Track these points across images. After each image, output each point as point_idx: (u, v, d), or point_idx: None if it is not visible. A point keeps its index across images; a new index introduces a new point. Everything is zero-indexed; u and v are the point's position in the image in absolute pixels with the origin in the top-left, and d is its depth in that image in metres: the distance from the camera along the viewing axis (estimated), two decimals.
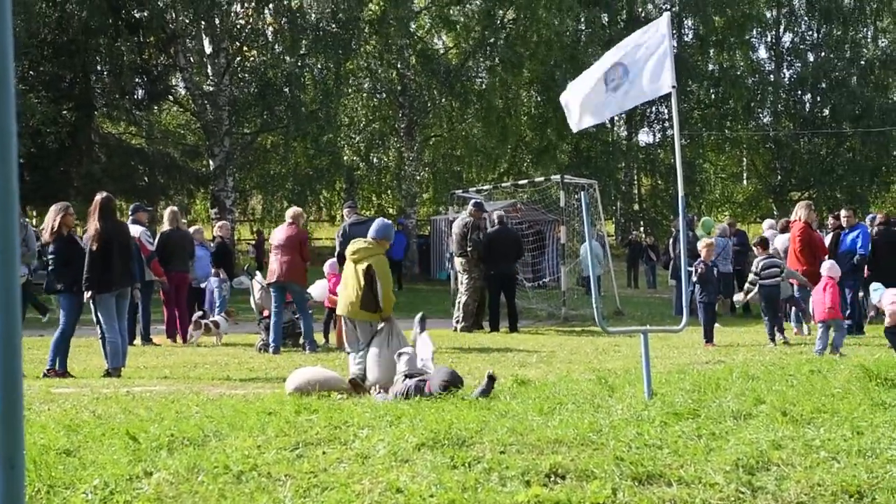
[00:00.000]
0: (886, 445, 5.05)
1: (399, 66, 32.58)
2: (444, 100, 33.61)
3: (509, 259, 16.36)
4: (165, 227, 14.99)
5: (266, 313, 13.60)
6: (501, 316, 16.29)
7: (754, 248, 13.79)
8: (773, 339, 13.06)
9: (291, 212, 14.09)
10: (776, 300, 13.35)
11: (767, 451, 4.92)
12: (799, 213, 14.57)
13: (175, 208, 16.08)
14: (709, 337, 13.09)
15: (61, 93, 27.41)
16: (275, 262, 13.36)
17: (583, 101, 8.30)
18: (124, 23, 27.82)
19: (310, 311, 13.57)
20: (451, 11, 34.04)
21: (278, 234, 13.70)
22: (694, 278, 13.10)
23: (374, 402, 7.46)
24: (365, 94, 34.65)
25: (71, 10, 26.27)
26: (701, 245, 13.75)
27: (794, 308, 14.84)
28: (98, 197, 10.76)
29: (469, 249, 16.15)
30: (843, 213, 15.46)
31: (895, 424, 5.53)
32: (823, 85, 43.89)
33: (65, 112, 26.76)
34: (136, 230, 13.59)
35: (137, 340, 14.10)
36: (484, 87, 33.63)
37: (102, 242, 10.38)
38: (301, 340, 13.34)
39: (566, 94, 8.57)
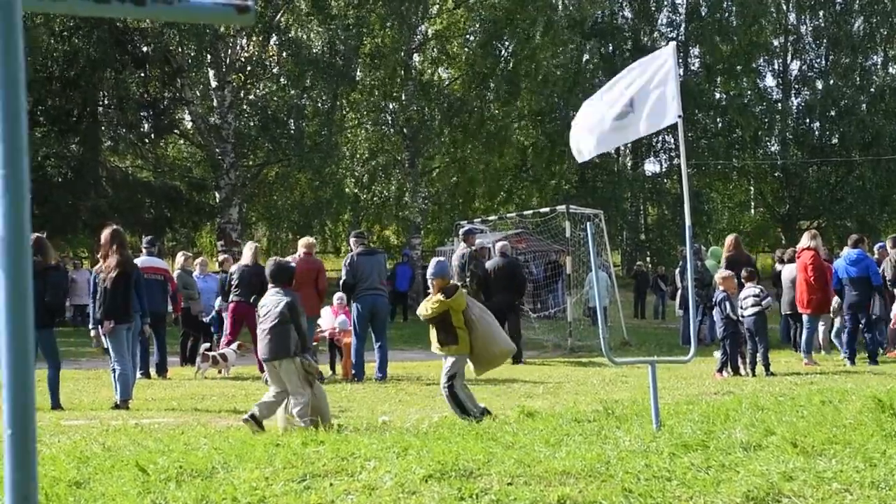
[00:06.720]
0: None
1: (403, 98, 32.81)
2: (446, 131, 33.82)
3: (509, 291, 16.17)
4: (246, 261, 14.71)
5: None
6: None
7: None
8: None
9: (304, 242, 13.84)
10: (759, 330, 13.13)
11: (778, 482, 4.88)
12: (809, 242, 14.58)
13: (257, 244, 16.06)
14: (725, 368, 12.95)
15: (68, 127, 27.58)
16: None
17: (589, 130, 8.28)
18: (130, 57, 28.01)
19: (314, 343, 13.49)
20: (453, 44, 34.34)
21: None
22: (722, 313, 12.91)
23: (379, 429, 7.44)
24: (369, 126, 34.86)
25: (77, 45, 26.44)
26: (718, 277, 13.58)
27: (804, 336, 14.65)
28: (111, 229, 10.80)
29: (468, 280, 16.06)
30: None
31: None
32: (832, 113, 43.71)
33: (73, 146, 26.90)
34: (161, 263, 13.91)
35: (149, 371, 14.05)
36: (483, 117, 33.83)
37: (123, 274, 10.44)
38: None
39: (573, 125, 8.56)
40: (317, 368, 8.91)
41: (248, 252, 14.65)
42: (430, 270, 9.23)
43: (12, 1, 1.21)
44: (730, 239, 16.53)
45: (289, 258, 13.90)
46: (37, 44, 24.69)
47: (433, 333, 9.00)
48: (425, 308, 9.04)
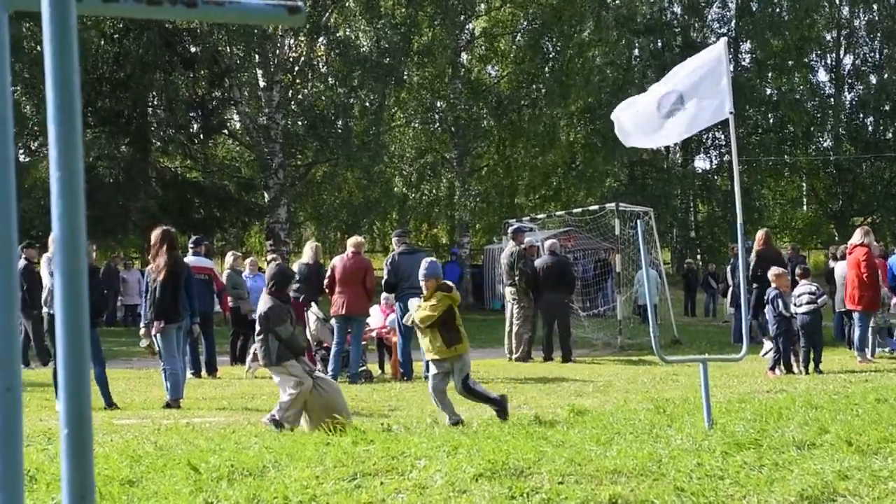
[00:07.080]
0: None
1: (451, 96, 32.82)
2: (494, 129, 33.78)
3: (558, 289, 16.19)
4: (307, 260, 14.86)
5: (326, 344, 13.61)
6: (554, 345, 16.19)
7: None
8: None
9: (353, 241, 13.91)
10: (814, 328, 12.95)
11: (833, 481, 4.80)
12: (862, 238, 14.33)
13: (318, 244, 16.22)
14: (778, 365, 12.78)
15: (119, 128, 27.97)
16: (339, 294, 13.17)
17: (636, 123, 8.26)
18: (179, 58, 28.33)
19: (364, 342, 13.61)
20: (500, 42, 34.28)
21: (341, 266, 13.49)
22: (774, 311, 12.72)
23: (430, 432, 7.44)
24: (417, 125, 34.94)
25: (128, 47, 26.82)
26: (771, 275, 13.40)
27: (856, 335, 14.39)
28: (161, 230, 10.94)
29: (516, 278, 16.06)
30: None
31: None
32: (886, 107, 43.04)
33: (123, 147, 27.29)
34: (206, 262, 14.07)
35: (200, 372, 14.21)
36: (532, 115, 33.73)
37: (172, 274, 10.57)
38: (350, 371, 13.10)
39: (617, 111, 8.56)
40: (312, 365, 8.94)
41: (308, 251, 14.79)
42: (422, 271, 8.64)
43: (67, 4, 1.22)
44: (760, 234, 16.33)
45: (337, 258, 14.03)
46: (87, 46, 25.06)
47: (434, 339, 8.41)
48: (426, 310, 8.44)
